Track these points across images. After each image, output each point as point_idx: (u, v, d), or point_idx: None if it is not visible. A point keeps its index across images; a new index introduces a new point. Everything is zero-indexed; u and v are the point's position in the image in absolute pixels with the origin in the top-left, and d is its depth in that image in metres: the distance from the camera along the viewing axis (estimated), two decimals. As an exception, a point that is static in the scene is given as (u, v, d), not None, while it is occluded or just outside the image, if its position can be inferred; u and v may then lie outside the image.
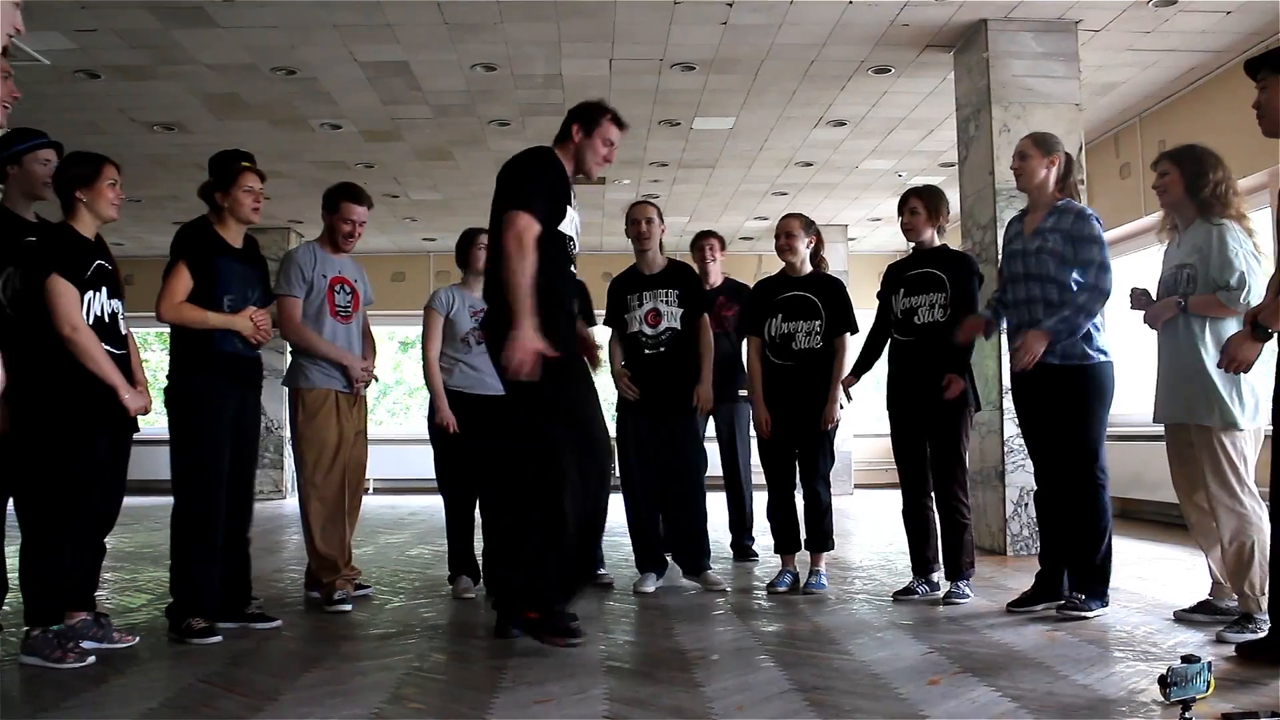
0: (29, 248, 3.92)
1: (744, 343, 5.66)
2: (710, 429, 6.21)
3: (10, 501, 3.99)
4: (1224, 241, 4.09)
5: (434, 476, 5.44)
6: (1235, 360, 3.60)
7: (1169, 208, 4.37)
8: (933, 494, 4.98)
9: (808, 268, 5.37)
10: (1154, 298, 4.37)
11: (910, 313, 4.96)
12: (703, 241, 6.53)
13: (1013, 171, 4.69)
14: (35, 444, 3.81)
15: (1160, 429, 4.41)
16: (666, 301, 5.35)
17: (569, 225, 4.08)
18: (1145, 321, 4.38)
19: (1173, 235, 4.42)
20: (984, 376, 4.88)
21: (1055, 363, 4.40)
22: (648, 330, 5.35)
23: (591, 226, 12.98)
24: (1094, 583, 4.40)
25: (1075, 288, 4.37)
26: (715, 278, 6.48)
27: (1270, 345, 3.75)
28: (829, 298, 5.27)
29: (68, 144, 4.28)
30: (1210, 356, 4.06)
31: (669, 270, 5.45)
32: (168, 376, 4.31)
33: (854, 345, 5.31)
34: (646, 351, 5.34)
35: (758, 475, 5.77)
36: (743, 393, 5.94)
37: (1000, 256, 4.84)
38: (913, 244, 5.11)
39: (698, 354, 5.36)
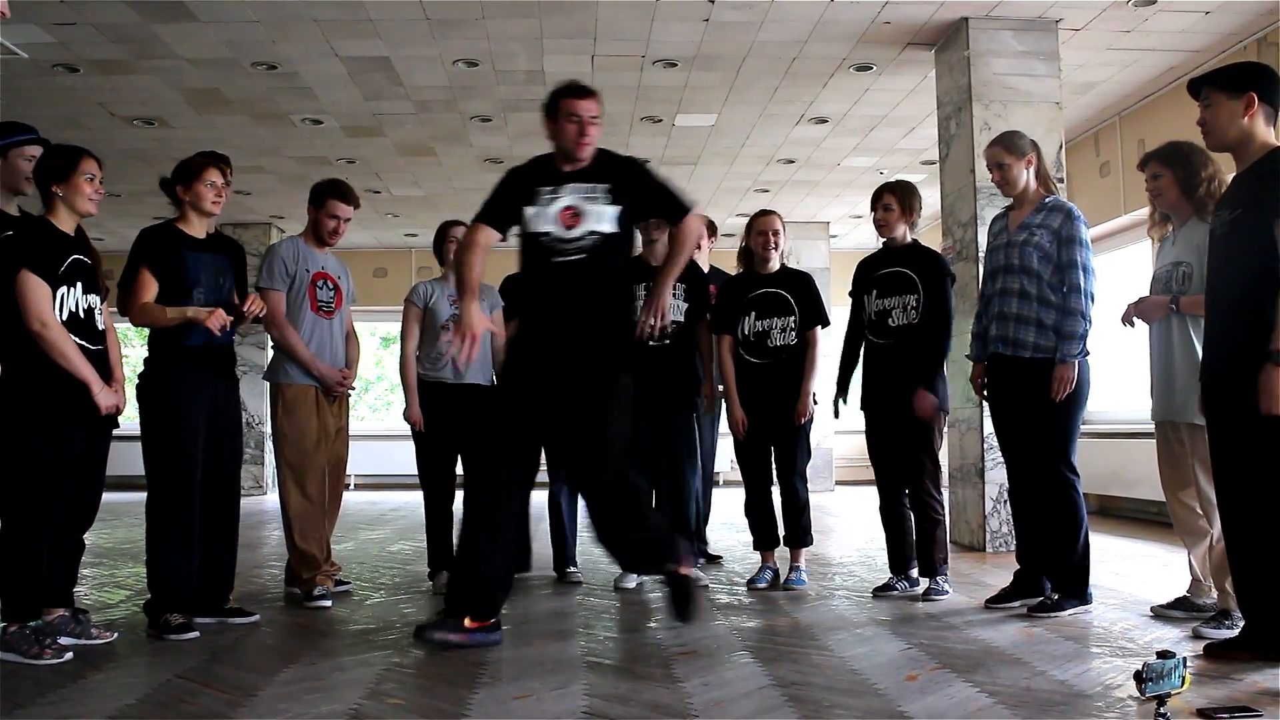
0: (2, 242, 3.89)
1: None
2: None
3: None
4: None
5: (414, 472, 5.43)
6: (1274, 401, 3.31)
7: (1166, 210, 4.39)
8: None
9: (777, 264, 5.37)
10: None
11: (884, 315, 4.96)
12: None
13: (995, 184, 4.66)
14: (10, 438, 3.79)
15: (1138, 426, 4.44)
16: (674, 295, 5.30)
17: (540, 220, 4.01)
18: (1131, 316, 4.39)
19: (1164, 229, 4.45)
20: (963, 373, 4.89)
21: (1029, 356, 4.41)
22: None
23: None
24: (1072, 582, 4.41)
25: (1055, 293, 4.37)
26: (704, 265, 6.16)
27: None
28: (800, 293, 5.26)
29: (47, 138, 4.26)
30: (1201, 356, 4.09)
31: None
32: (140, 374, 4.29)
33: (824, 339, 5.31)
34: (650, 344, 5.26)
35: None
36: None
37: (984, 254, 4.83)
38: (884, 240, 5.12)
39: (700, 353, 5.37)
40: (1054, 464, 4.39)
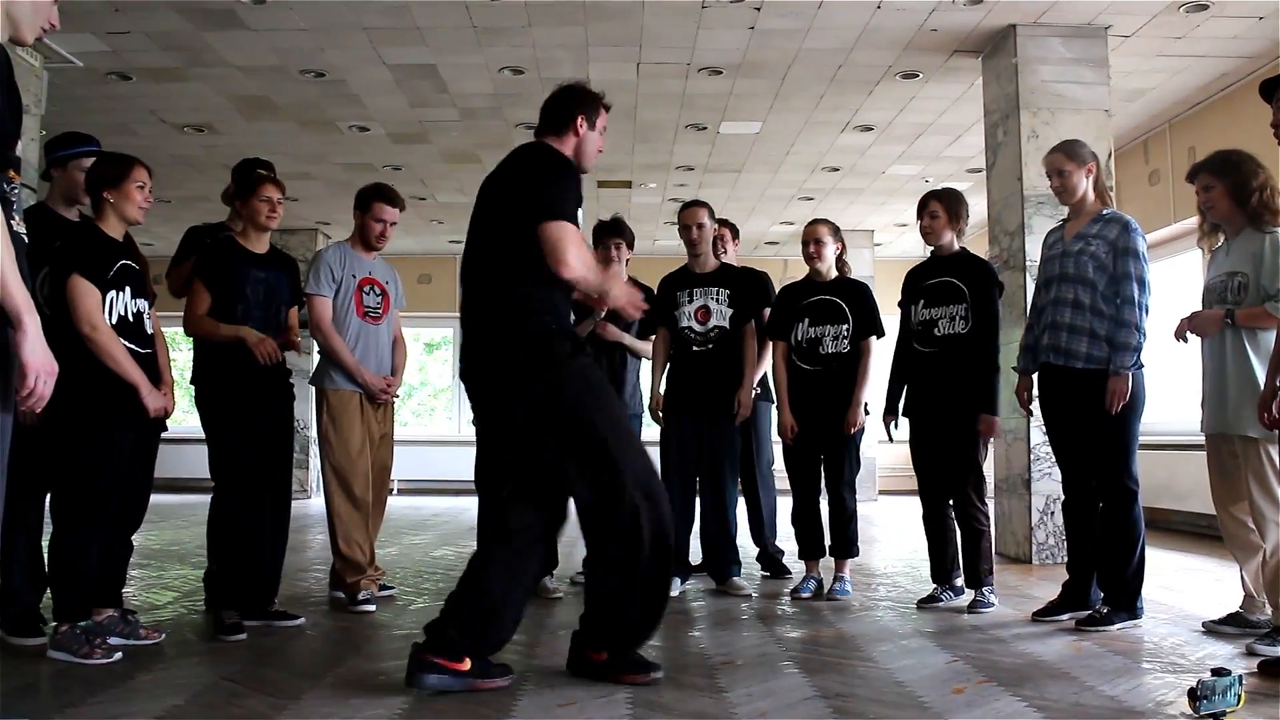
0: (56, 248, 3.96)
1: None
2: None
3: (49, 497, 4.05)
4: (1277, 250, 4.05)
5: (457, 478, 5.43)
6: None
7: (1218, 221, 4.32)
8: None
9: (834, 273, 5.36)
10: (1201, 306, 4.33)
11: (930, 324, 4.92)
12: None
13: (1054, 191, 4.64)
14: (62, 441, 3.85)
15: (1189, 439, 4.37)
16: (717, 300, 5.37)
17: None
18: (1184, 332, 4.32)
19: (1214, 240, 4.39)
20: (1010, 384, 4.84)
21: (1081, 367, 4.37)
22: (696, 327, 5.38)
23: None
24: (1123, 596, 4.35)
25: (1109, 304, 4.32)
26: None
27: None
28: (855, 302, 5.25)
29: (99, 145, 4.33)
30: (1257, 367, 4.02)
31: (721, 271, 5.51)
32: (192, 380, 4.39)
33: (879, 349, 5.28)
34: (695, 348, 5.37)
35: (779, 479, 5.76)
36: (756, 390, 5.66)
37: (1038, 265, 4.79)
38: (931, 249, 5.08)
39: (742, 358, 5.36)
40: (1115, 476, 4.34)
